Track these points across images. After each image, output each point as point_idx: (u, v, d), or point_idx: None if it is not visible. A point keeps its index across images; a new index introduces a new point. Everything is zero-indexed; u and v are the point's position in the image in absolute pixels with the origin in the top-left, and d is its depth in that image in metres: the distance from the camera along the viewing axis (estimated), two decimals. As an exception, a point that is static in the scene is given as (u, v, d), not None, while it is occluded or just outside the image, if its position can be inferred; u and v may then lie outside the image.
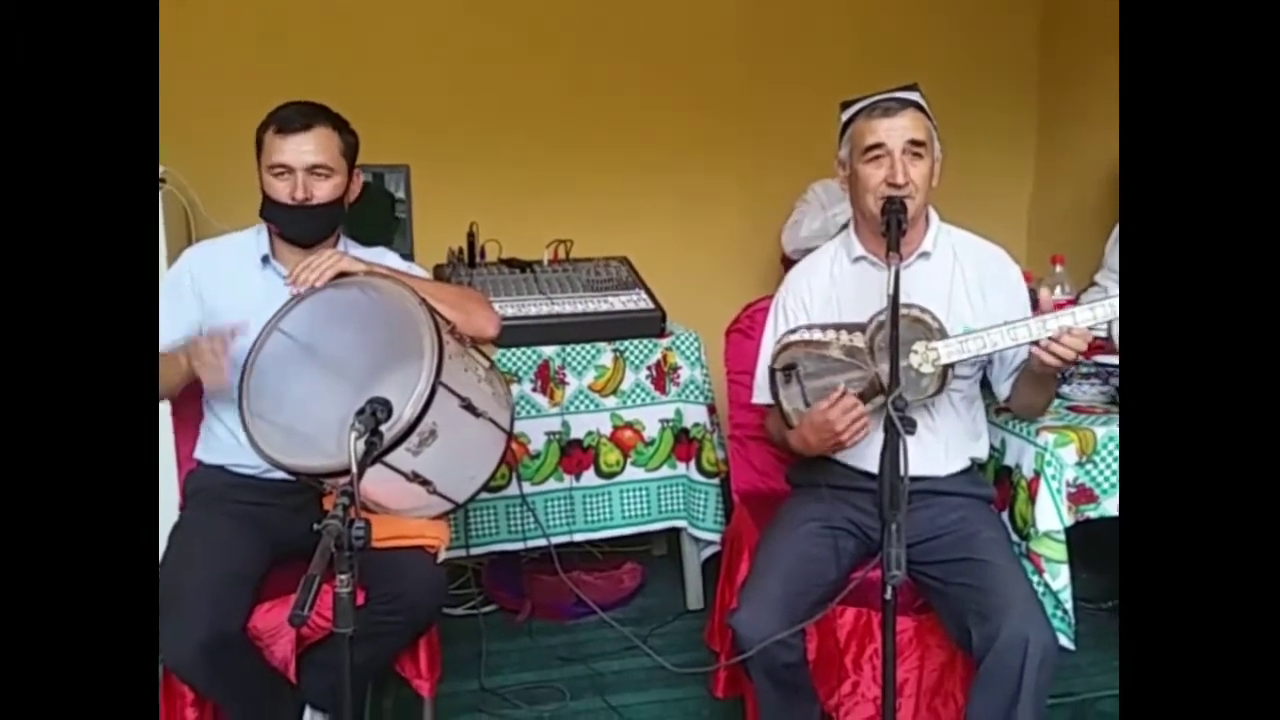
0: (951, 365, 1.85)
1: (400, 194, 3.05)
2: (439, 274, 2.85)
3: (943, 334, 1.84)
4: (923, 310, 1.85)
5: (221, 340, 1.85)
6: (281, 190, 1.95)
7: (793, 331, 1.98)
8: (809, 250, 2.29)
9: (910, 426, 1.54)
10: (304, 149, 1.93)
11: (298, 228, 1.98)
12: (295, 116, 1.94)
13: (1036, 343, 1.79)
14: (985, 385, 2.08)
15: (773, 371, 1.96)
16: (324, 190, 1.96)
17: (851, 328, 1.92)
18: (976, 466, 2.08)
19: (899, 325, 1.68)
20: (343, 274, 1.85)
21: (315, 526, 1.34)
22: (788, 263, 3.43)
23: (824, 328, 1.94)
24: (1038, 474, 2.03)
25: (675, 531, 2.95)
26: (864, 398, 1.85)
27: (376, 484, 1.71)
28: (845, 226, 2.16)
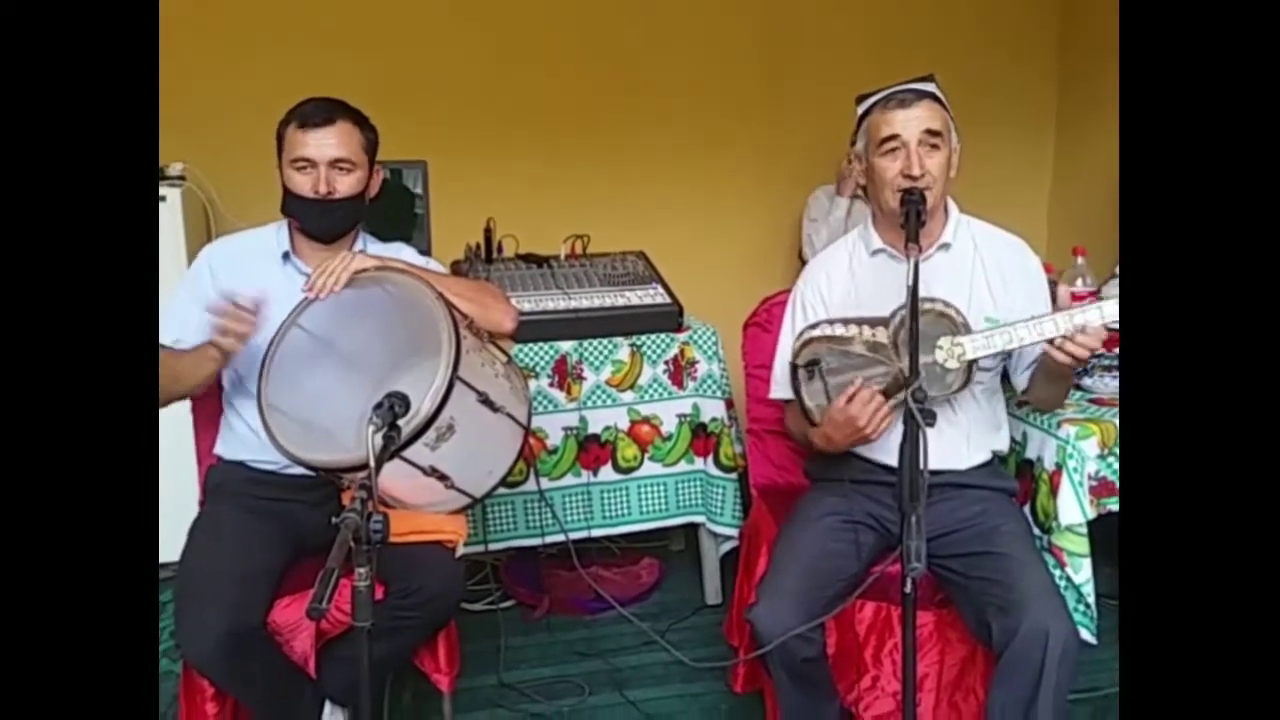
0: (976, 360, 1.83)
1: (418, 189, 3.06)
2: (456, 269, 2.85)
3: (967, 329, 1.83)
4: (946, 305, 1.84)
5: (247, 313, 1.81)
6: (304, 184, 1.95)
7: (814, 327, 1.96)
8: None
9: (930, 419, 1.53)
10: (326, 143, 1.94)
11: (319, 222, 1.99)
12: (317, 111, 1.95)
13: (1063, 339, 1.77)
14: (1005, 378, 2.06)
15: (795, 367, 1.95)
16: (346, 185, 1.97)
17: (874, 322, 1.90)
18: (997, 459, 2.07)
19: (920, 321, 1.66)
20: (359, 272, 1.85)
21: (333, 520, 1.35)
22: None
23: (846, 323, 1.93)
24: (1059, 467, 2.02)
25: (693, 526, 2.94)
26: (888, 393, 1.82)
27: (394, 479, 1.71)
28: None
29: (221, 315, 1.80)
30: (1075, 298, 1.80)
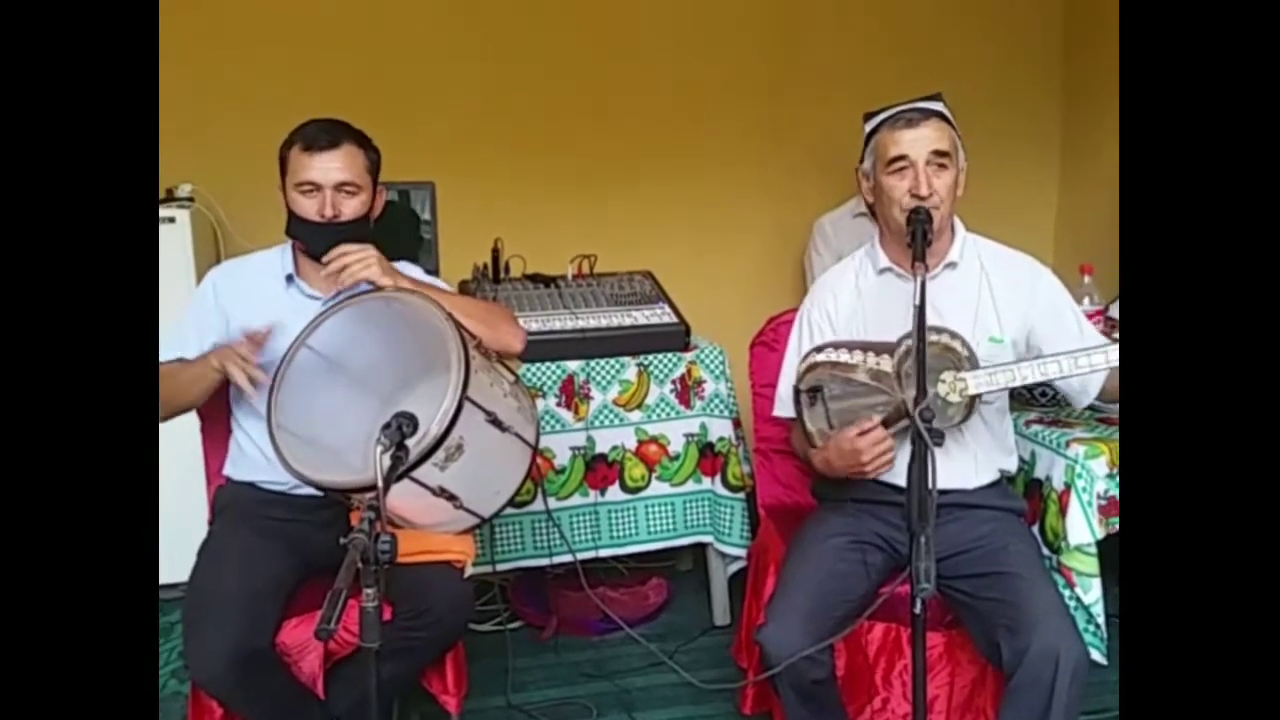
0: (979, 396, 1.83)
1: (425, 211, 3.07)
2: (464, 289, 2.86)
3: (972, 363, 1.82)
4: (953, 337, 1.83)
5: (255, 341, 1.86)
6: (309, 208, 1.96)
7: (819, 350, 1.96)
8: None
9: (938, 438, 1.53)
10: (331, 166, 1.95)
11: (325, 245, 1.99)
12: (321, 134, 1.96)
13: None
14: (1014, 396, 2.06)
15: (797, 391, 1.95)
16: (351, 207, 1.98)
17: (880, 349, 1.90)
18: (1006, 479, 2.06)
19: (926, 353, 1.66)
20: (372, 283, 1.86)
21: (342, 540, 1.35)
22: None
23: (851, 348, 1.92)
24: (1068, 486, 2.01)
25: (701, 546, 2.93)
26: (888, 422, 1.83)
27: (403, 499, 1.71)
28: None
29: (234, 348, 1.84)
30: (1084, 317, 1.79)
